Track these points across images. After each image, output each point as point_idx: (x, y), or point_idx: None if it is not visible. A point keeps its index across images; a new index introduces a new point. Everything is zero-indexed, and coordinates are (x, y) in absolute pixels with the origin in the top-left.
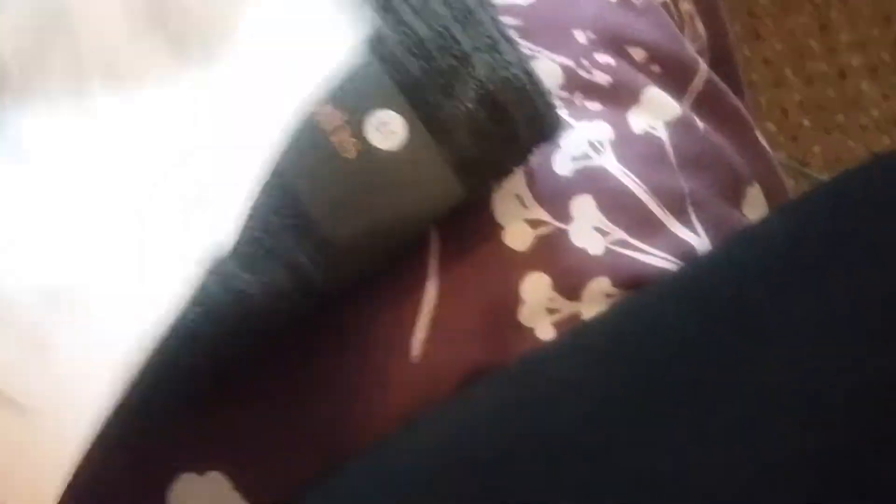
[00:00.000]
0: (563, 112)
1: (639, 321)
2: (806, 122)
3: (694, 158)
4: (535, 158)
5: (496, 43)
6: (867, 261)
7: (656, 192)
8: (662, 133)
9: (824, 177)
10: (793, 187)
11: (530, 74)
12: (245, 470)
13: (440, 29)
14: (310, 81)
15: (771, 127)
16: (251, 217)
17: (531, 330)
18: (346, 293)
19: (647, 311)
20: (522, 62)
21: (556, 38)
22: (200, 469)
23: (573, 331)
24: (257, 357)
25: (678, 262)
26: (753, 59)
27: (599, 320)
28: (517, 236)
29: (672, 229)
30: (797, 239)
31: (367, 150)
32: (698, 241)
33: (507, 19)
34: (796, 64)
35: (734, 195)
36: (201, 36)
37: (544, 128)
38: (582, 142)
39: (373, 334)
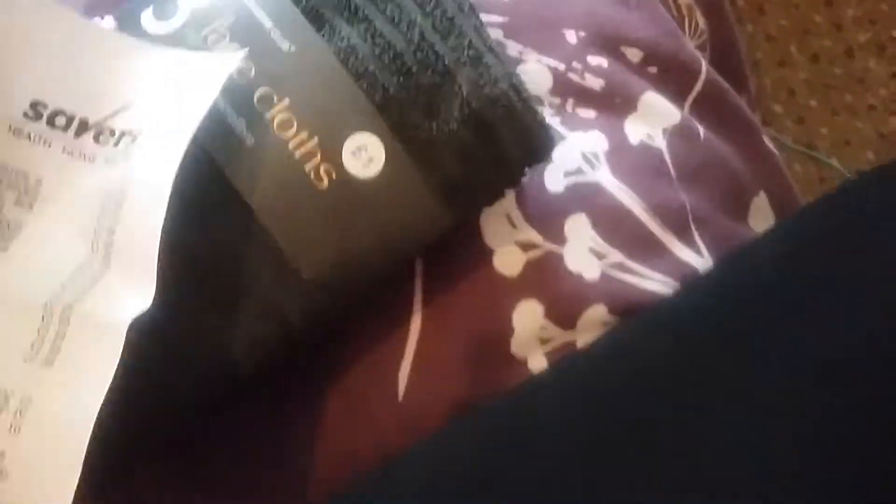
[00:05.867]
0: (554, 120)
1: (627, 355)
2: (813, 103)
3: (695, 169)
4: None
5: (481, 55)
6: (860, 288)
7: (655, 209)
8: (661, 142)
9: (833, 161)
10: (800, 172)
11: (519, 90)
12: None
13: (419, 40)
14: (192, 116)
15: (777, 108)
16: (220, 257)
17: (523, 360)
18: (329, 329)
19: (635, 344)
20: (510, 76)
21: (544, 38)
22: None
23: (561, 364)
24: (240, 398)
25: (679, 286)
26: (757, 35)
27: (588, 354)
28: (508, 261)
29: (673, 250)
30: (790, 264)
31: (343, 178)
32: (701, 261)
33: (490, 17)
34: (801, 41)
35: (739, 207)
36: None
37: (536, 148)
38: (575, 154)
39: (358, 372)
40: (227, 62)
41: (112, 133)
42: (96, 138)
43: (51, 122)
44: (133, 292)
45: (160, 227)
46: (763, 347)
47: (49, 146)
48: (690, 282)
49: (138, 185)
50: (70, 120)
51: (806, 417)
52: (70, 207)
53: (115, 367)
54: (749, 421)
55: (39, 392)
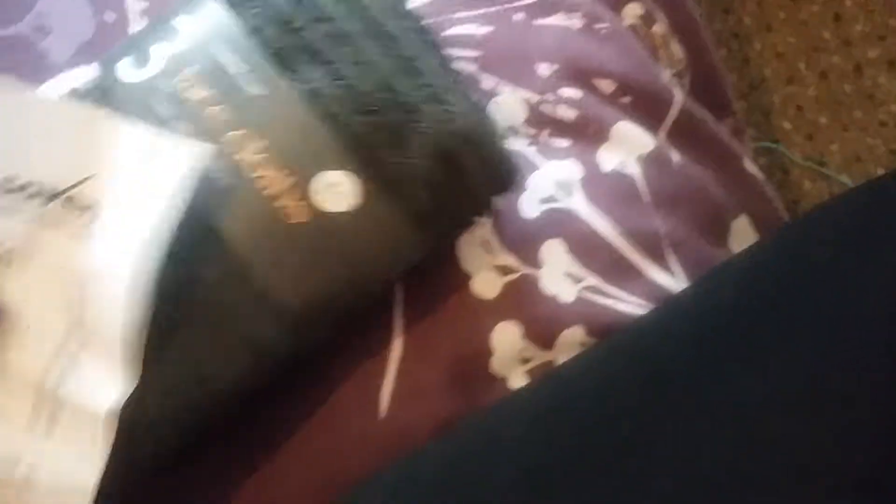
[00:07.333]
0: (529, 150)
1: (587, 377)
2: (822, 120)
3: (670, 195)
4: (501, 201)
5: (441, 92)
6: (833, 317)
7: (630, 234)
8: (635, 169)
9: (843, 177)
10: (810, 189)
11: (481, 123)
12: None
13: (381, 81)
14: (165, 198)
15: (786, 125)
16: (204, 294)
17: (503, 380)
18: (309, 356)
19: (604, 364)
20: (472, 110)
21: (517, 71)
22: None
23: (534, 383)
24: (227, 422)
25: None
26: (765, 52)
27: (560, 373)
28: (485, 284)
29: (648, 273)
30: (756, 285)
31: (316, 214)
32: (675, 283)
33: (464, 52)
34: (810, 57)
35: (717, 230)
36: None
37: (501, 178)
38: (550, 182)
39: (341, 392)
40: (196, 155)
41: (76, 205)
42: (63, 207)
43: (20, 192)
44: (110, 379)
45: (132, 313)
46: (730, 372)
47: (19, 215)
48: (662, 304)
49: (106, 270)
50: (38, 190)
51: (771, 437)
52: (41, 282)
53: (105, 453)
54: (701, 443)
55: (42, 460)
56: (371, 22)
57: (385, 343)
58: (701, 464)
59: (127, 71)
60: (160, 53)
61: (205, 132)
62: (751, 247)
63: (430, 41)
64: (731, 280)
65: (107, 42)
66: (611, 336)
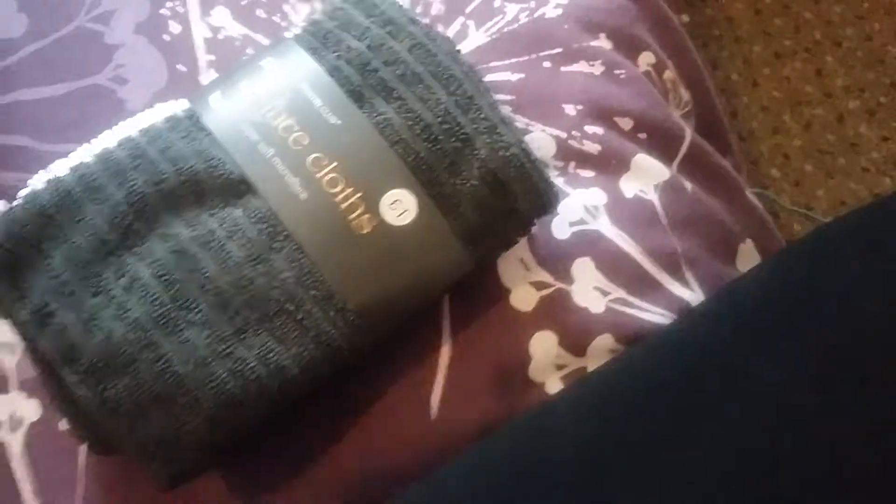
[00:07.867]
0: (559, 180)
1: (626, 374)
2: (808, 167)
3: (684, 218)
4: (536, 225)
5: (495, 126)
6: (833, 315)
7: (650, 252)
8: (653, 196)
9: (829, 220)
10: (800, 232)
11: (528, 153)
12: None
13: (444, 115)
14: None
15: (775, 173)
16: (281, 290)
17: (541, 385)
18: (368, 356)
19: (633, 364)
20: (520, 142)
21: (547, 112)
22: None
23: (574, 384)
24: (287, 416)
25: (675, 317)
26: (752, 106)
27: (598, 374)
28: (523, 298)
29: (668, 287)
30: (770, 294)
31: (381, 226)
32: (693, 296)
33: (501, 96)
34: (794, 110)
35: (727, 252)
36: None
37: (543, 201)
38: (578, 207)
39: (394, 395)
40: None
41: None
42: None
43: None
44: None
45: None
46: (752, 362)
47: None
48: (685, 313)
49: None
50: None
51: (801, 424)
52: None
53: None
54: (732, 428)
55: None
56: (437, 65)
57: (434, 350)
58: (734, 437)
59: (218, 102)
60: (249, 88)
61: (290, 154)
62: (763, 262)
63: (482, 83)
64: (750, 287)
65: (179, 90)
66: (643, 341)
